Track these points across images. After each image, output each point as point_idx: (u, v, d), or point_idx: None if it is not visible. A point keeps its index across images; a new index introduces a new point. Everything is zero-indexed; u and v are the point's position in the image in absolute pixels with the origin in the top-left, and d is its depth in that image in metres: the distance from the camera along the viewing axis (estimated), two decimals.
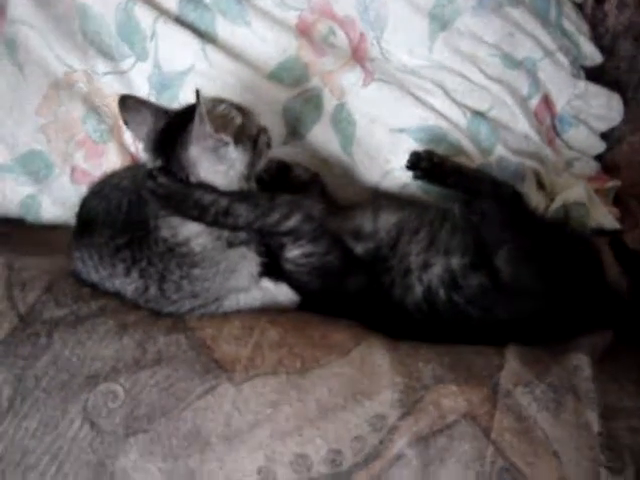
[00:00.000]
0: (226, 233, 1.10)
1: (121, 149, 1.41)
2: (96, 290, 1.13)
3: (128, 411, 0.95)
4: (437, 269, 1.14)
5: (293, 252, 1.13)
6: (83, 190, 1.36)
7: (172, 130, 1.09)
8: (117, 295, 1.12)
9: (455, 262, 1.14)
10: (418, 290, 1.14)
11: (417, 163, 1.28)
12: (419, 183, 1.32)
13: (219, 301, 1.11)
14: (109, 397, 0.96)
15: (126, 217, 1.12)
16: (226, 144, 1.07)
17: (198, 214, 1.07)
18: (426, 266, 1.15)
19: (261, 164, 1.14)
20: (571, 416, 0.90)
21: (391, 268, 1.16)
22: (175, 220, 1.09)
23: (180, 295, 1.09)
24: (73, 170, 1.41)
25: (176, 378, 0.97)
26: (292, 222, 1.11)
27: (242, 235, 1.11)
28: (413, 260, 1.15)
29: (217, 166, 1.08)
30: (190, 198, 1.07)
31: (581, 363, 0.97)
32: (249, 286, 1.12)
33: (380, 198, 1.34)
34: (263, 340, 1.02)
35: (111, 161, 1.40)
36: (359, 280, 1.15)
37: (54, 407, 0.96)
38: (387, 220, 1.21)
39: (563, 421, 0.90)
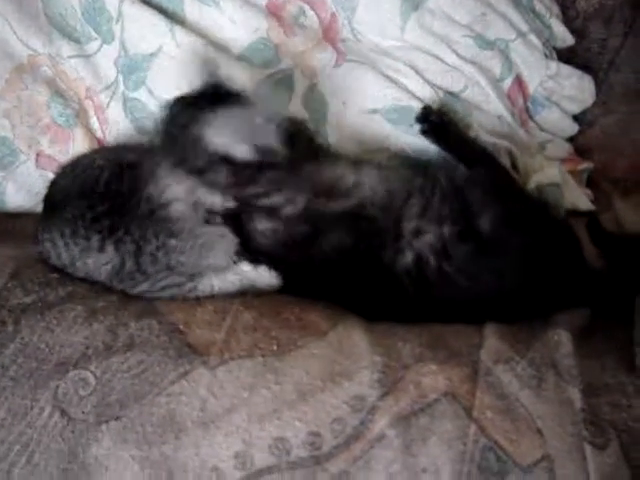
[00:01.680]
0: (204, 208, 1.10)
1: (88, 134, 1.37)
2: (64, 276, 1.10)
3: (100, 398, 0.92)
4: (429, 237, 1.13)
5: (264, 225, 1.13)
6: (49, 176, 1.34)
7: None
8: (86, 280, 1.09)
9: (447, 230, 1.13)
10: (409, 256, 1.12)
11: (427, 116, 1.30)
12: (391, 163, 1.31)
13: (194, 282, 1.09)
14: (80, 384, 0.93)
15: (106, 188, 1.11)
16: None
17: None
18: (418, 233, 1.14)
19: None
20: (553, 392, 0.89)
21: (381, 230, 1.14)
22: (166, 180, 1.10)
23: (156, 268, 1.07)
24: (38, 156, 1.37)
25: (149, 363, 0.94)
26: (270, 201, 1.13)
27: (218, 218, 1.11)
28: (405, 226, 1.14)
29: None
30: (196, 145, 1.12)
31: (561, 339, 0.97)
32: (226, 267, 1.10)
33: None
34: (237, 324, 1.00)
35: (78, 146, 1.36)
36: (334, 238, 1.14)
37: (23, 396, 0.93)
38: (370, 175, 1.19)
39: (545, 398, 0.89)
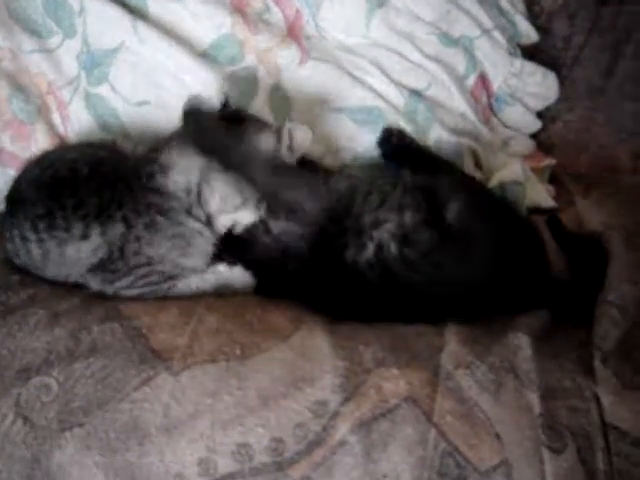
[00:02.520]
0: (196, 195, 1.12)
1: (50, 130, 1.35)
2: (25, 277, 1.10)
3: (62, 404, 0.92)
4: (389, 225, 1.14)
5: (280, 226, 1.15)
6: (10, 174, 1.32)
7: None
8: (48, 282, 1.10)
9: (408, 217, 1.14)
10: (370, 248, 1.13)
11: (388, 139, 1.32)
12: (357, 163, 1.32)
13: (173, 280, 1.10)
14: (42, 391, 0.93)
15: (91, 172, 1.11)
16: None
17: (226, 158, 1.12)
18: (377, 223, 1.14)
19: None
20: (512, 397, 0.91)
21: (345, 230, 1.15)
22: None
23: (137, 260, 1.07)
24: (0, 153, 1.34)
25: (112, 369, 0.94)
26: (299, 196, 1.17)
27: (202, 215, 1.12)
28: (366, 220, 1.15)
29: None
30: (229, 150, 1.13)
31: (521, 342, 0.98)
32: (202, 267, 1.12)
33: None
34: (201, 327, 1.00)
35: (39, 142, 1.34)
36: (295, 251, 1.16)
37: None
38: (339, 182, 1.22)
39: (504, 402, 0.90)
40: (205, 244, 1.13)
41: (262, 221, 1.15)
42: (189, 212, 1.11)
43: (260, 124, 1.20)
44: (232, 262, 1.14)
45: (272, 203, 1.14)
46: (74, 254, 1.08)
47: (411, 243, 1.12)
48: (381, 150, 1.33)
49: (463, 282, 1.12)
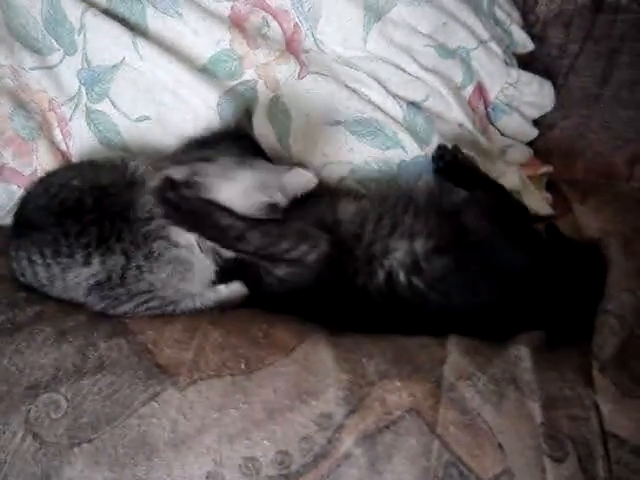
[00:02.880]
0: None
1: (51, 147, 1.36)
2: (31, 294, 1.11)
3: (71, 421, 0.93)
4: (399, 254, 1.16)
5: (283, 271, 1.13)
6: (13, 189, 1.35)
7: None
8: (57, 300, 1.10)
9: (419, 245, 1.16)
10: (380, 275, 1.15)
11: (443, 155, 1.34)
12: (356, 176, 1.35)
13: (174, 305, 1.11)
14: (51, 407, 0.94)
15: (94, 203, 1.11)
16: None
17: (214, 235, 1.09)
18: (388, 251, 1.16)
19: None
20: (513, 407, 0.92)
21: (356, 258, 1.17)
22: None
23: (138, 287, 1.08)
24: (2, 169, 1.35)
25: (119, 385, 0.95)
26: (298, 252, 1.12)
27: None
28: (377, 247, 1.17)
29: None
30: (210, 218, 1.08)
31: (521, 354, 0.99)
32: (202, 292, 1.12)
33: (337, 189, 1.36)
34: (206, 342, 1.01)
35: (41, 159, 1.35)
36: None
37: None
38: (346, 210, 1.22)
39: (506, 413, 0.91)
40: (205, 273, 1.12)
41: (263, 267, 1.14)
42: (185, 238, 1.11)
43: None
44: (229, 279, 1.14)
45: (269, 258, 1.14)
46: (75, 278, 1.09)
47: (420, 271, 1.15)
48: (434, 165, 1.35)
49: (469, 307, 1.13)
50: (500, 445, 0.89)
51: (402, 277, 1.14)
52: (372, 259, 1.16)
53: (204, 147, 1.23)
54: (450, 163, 1.34)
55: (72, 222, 1.09)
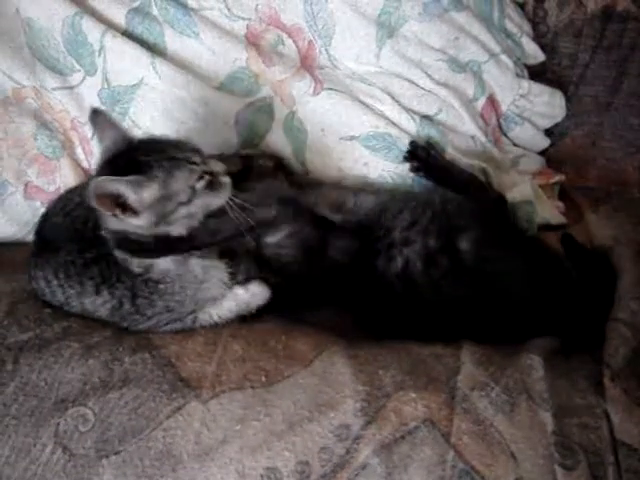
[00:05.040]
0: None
1: (74, 164, 1.41)
2: (57, 311, 1.14)
3: (99, 434, 0.96)
4: (417, 246, 1.20)
5: (276, 236, 1.18)
6: (37, 206, 1.38)
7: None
8: (81, 316, 1.12)
9: (432, 243, 1.20)
10: (399, 262, 1.20)
11: (414, 153, 1.36)
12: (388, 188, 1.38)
13: (195, 313, 1.12)
14: (79, 421, 0.97)
15: (94, 233, 1.12)
16: None
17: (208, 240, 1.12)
18: (407, 242, 1.21)
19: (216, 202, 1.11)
20: (525, 417, 0.94)
21: (377, 239, 1.22)
22: None
23: (154, 311, 1.10)
24: (27, 187, 1.40)
25: (144, 398, 0.99)
26: (273, 211, 1.16)
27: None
28: (396, 236, 1.22)
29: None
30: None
31: (533, 363, 1.01)
32: (222, 294, 1.14)
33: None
34: (227, 355, 1.04)
35: (64, 176, 1.40)
36: (341, 245, 1.22)
37: (26, 433, 0.97)
38: (367, 201, 1.28)
39: (518, 422, 0.94)
40: (219, 273, 1.14)
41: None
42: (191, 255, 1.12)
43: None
44: (247, 279, 1.16)
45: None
46: (91, 304, 1.11)
47: (434, 263, 1.19)
48: (409, 164, 1.37)
49: (475, 308, 1.16)
50: (513, 454, 0.91)
51: (419, 266, 1.18)
52: (392, 245, 1.21)
53: None
54: (424, 161, 1.36)
55: (76, 251, 1.12)
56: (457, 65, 1.44)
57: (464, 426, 0.93)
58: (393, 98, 1.40)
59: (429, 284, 1.18)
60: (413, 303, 1.18)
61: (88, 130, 1.38)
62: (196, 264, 1.11)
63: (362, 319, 1.20)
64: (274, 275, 1.18)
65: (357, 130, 1.38)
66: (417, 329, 1.13)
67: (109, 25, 1.35)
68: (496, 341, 1.09)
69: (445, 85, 1.43)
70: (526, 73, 1.57)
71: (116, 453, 0.95)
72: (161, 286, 1.09)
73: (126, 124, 1.36)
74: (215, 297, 1.14)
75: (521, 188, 1.41)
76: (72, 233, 1.15)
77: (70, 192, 1.27)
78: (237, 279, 1.15)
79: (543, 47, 1.58)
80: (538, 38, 1.59)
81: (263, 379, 1.00)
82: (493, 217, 1.30)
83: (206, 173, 1.07)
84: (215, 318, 1.14)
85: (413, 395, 0.97)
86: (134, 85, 1.35)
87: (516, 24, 1.54)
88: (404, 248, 1.20)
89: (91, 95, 1.38)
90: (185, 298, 1.11)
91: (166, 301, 1.10)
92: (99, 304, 1.11)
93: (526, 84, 1.52)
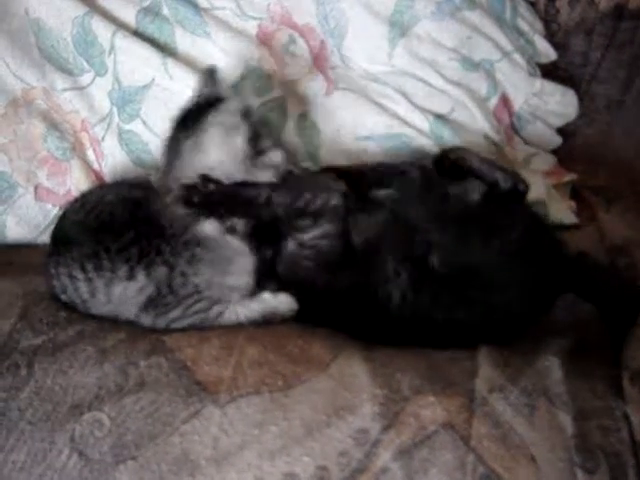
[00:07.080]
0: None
1: (84, 166, 1.40)
2: (71, 313, 1.13)
3: (115, 439, 0.95)
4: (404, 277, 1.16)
5: (312, 233, 1.16)
6: (48, 208, 1.38)
7: None
8: (94, 317, 1.12)
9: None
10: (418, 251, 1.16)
11: (440, 161, 1.32)
12: (383, 192, 1.35)
13: (219, 305, 1.13)
14: (95, 426, 0.96)
15: (130, 218, 1.14)
16: None
17: (247, 210, 1.12)
18: (398, 274, 1.16)
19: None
20: (545, 419, 0.93)
21: (378, 268, 1.17)
22: None
23: (186, 291, 1.10)
24: (37, 188, 1.40)
25: (160, 403, 0.98)
26: (320, 200, 1.15)
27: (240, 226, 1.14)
28: (389, 267, 1.17)
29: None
30: (239, 197, 1.12)
31: (552, 365, 1.00)
32: (248, 292, 1.15)
33: None
34: (243, 359, 1.03)
35: (75, 178, 1.39)
36: (351, 276, 1.17)
37: (41, 439, 0.96)
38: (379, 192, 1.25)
39: (537, 425, 0.93)
40: (245, 262, 1.14)
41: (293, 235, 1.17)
42: (230, 230, 1.13)
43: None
44: (276, 289, 1.16)
45: (297, 213, 1.16)
46: (121, 293, 1.11)
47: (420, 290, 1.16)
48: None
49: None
50: (533, 457, 0.90)
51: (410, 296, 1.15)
52: (388, 279, 1.16)
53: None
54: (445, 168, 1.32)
55: (110, 238, 1.12)
56: (470, 64, 1.44)
57: (483, 429, 0.92)
58: (406, 98, 1.39)
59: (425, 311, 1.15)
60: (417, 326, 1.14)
61: (99, 131, 1.39)
62: (230, 240, 1.13)
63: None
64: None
65: (371, 130, 1.37)
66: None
67: (119, 25, 1.35)
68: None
69: (458, 84, 1.42)
70: (538, 72, 1.56)
71: (133, 458, 0.94)
72: (198, 250, 1.10)
73: (137, 125, 1.36)
74: (239, 287, 1.14)
75: (533, 187, 1.38)
76: (100, 225, 1.15)
77: (85, 194, 1.27)
78: (264, 285, 1.16)
79: (555, 45, 1.58)
80: (549, 36, 1.58)
81: (280, 383, 0.99)
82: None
83: None
84: (242, 317, 1.14)
85: (432, 399, 0.95)
86: (145, 85, 1.34)
87: (528, 22, 1.53)
88: (397, 280, 1.16)
89: (102, 96, 1.38)
90: (213, 281, 1.12)
91: (198, 277, 1.10)
92: (132, 291, 1.11)
93: (539, 83, 1.51)
